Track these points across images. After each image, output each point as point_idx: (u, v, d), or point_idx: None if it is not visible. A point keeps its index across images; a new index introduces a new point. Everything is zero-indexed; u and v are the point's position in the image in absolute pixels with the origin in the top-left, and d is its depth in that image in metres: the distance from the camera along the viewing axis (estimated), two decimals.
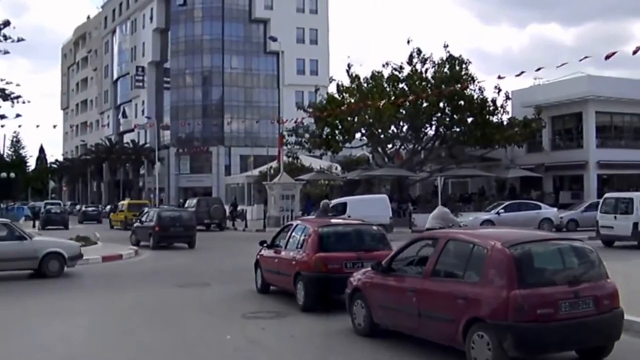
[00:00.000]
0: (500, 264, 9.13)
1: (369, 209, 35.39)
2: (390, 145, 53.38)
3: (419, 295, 10.26)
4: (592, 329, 9.22)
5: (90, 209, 73.77)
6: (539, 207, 40.33)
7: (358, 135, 52.85)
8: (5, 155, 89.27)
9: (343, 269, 14.27)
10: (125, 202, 60.34)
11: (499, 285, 9.00)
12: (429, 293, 10.09)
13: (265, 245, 17.60)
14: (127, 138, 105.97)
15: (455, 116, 49.51)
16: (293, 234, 16.12)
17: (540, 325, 8.81)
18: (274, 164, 57.76)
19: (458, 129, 50.64)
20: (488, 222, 37.20)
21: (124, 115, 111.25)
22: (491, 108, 49.44)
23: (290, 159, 57.56)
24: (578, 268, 9.59)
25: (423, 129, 51.22)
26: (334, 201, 38.59)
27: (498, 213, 38.34)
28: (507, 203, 40.90)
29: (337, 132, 51.46)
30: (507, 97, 50.08)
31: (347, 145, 53.68)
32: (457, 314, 9.42)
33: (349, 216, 30.83)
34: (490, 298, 9.04)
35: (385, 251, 14.16)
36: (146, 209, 40.15)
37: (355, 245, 15.05)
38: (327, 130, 51.72)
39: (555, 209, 41.28)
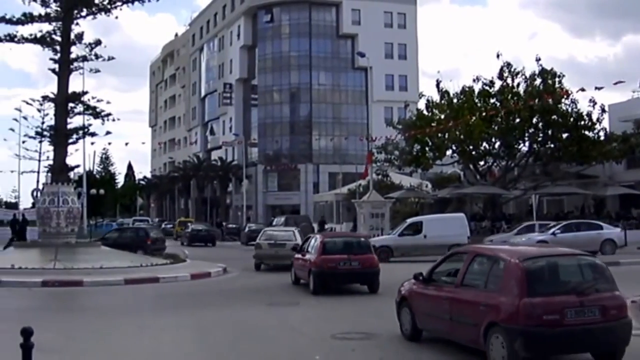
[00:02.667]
0: (515, 275, 10.57)
1: (446, 228, 34.60)
2: (482, 162, 52.10)
3: (450, 303, 11.75)
4: (597, 335, 10.38)
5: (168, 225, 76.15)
6: (601, 227, 36.79)
7: (449, 152, 51.82)
8: (94, 172, 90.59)
9: (337, 266, 21.72)
10: (177, 220, 75.49)
11: (513, 294, 10.40)
12: (459, 301, 11.59)
13: (298, 249, 25.06)
14: (214, 155, 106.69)
15: (549, 131, 48.02)
16: (309, 242, 24.19)
17: (547, 329, 10.09)
18: (363, 181, 56.99)
19: (552, 145, 49.11)
20: (543, 243, 35.18)
21: (212, 133, 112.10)
22: (587, 122, 47.59)
23: (380, 177, 56.77)
24: (586, 281, 10.81)
25: (516, 145, 49.84)
26: (411, 219, 38.07)
27: (554, 234, 35.85)
28: (565, 223, 38.19)
29: (427, 148, 50.56)
30: (603, 111, 48.12)
31: (438, 162, 52.69)
32: (480, 319, 10.80)
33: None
34: (505, 305, 10.43)
35: (369, 254, 22.34)
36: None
37: (346, 251, 22.38)
38: (417, 147, 50.86)
39: (618, 229, 37.75)
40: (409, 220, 37.81)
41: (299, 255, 24.24)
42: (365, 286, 22.02)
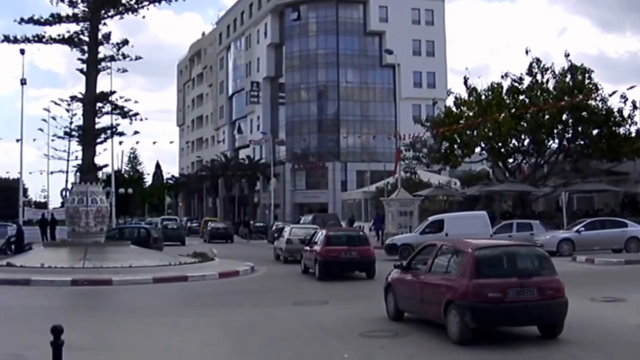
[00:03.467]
0: (467, 262, 12.82)
1: (468, 226, 34.02)
2: (511, 160, 51.67)
3: (421, 286, 14.07)
4: (534, 311, 12.51)
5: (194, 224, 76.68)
6: (625, 225, 35.98)
7: (478, 149, 51.48)
8: (123, 172, 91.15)
9: (339, 256, 25.90)
10: (203, 219, 78.23)
11: (465, 277, 12.61)
12: (427, 284, 13.89)
13: (307, 242, 29.28)
14: (242, 154, 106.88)
15: (579, 128, 47.53)
16: (316, 236, 28.32)
17: (491, 305, 12.30)
18: (391, 179, 56.79)
19: (582, 142, 48.57)
20: (567, 241, 34.63)
21: (239, 131, 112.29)
22: (617, 119, 47.01)
23: (408, 175, 56.52)
24: (528, 267, 13.13)
25: (545, 142, 49.30)
26: (433, 217, 37.78)
27: (578, 231, 35.33)
28: (588, 220, 37.58)
29: (456, 146, 50.27)
30: (635, 107, 47.50)
31: (467, 159, 52.38)
32: (441, 298, 13.00)
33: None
34: (459, 286, 12.63)
35: (366, 246, 26.72)
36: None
37: (347, 243, 26.75)
38: (445, 144, 50.60)
39: None
40: (431, 219, 37.59)
41: (307, 248, 28.28)
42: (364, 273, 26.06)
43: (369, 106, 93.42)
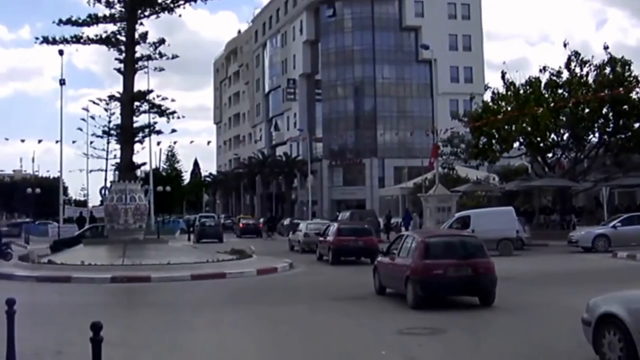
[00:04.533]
0: (419, 247, 17.10)
1: (494, 222, 33.97)
2: (550, 154, 51.10)
3: (392, 266, 18.53)
4: (469, 284, 16.59)
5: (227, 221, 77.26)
6: None
7: (516, 144, 50.99)
8: (161, 170, 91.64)
9: (348, 244, 31.56)
10: (237, 217, 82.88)
11: (418, 258, 16.85)
12: (395, 265, 18.28)
13: (321, 234, 35.15)
14: (279, 151, 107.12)
15: (620, 121, 46.78)
16: (329, 229, 34.29)
17: (435, 279, 16.39)
18: (429, 175, 56.55)
19: (623, 135, 47.80)
20: (602, 237, 34.12)
21: (276, 128, 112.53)
22: None
23: (446, 170, 56.22)
24: (465, 251, 17.10)
25: (585, 136, 48.70)
26: (459, 214, 37.68)
27: (614, 227, 34.74)
28: (625, 216, 36.93)
29: (494, 141, 49.81)
30: None
31: (505, 154, 51.88)
32: (403, 275, 17.16)
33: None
34: (413, 265, 16.84)
35: (371, 237, 32.41)
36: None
37: (354, 234, 32.33)
38: (483, 139, 50.16)
39: None
40: (457, 215, 37.42)
41: (322, 238, 34.36)
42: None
43: (405, 102, 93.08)
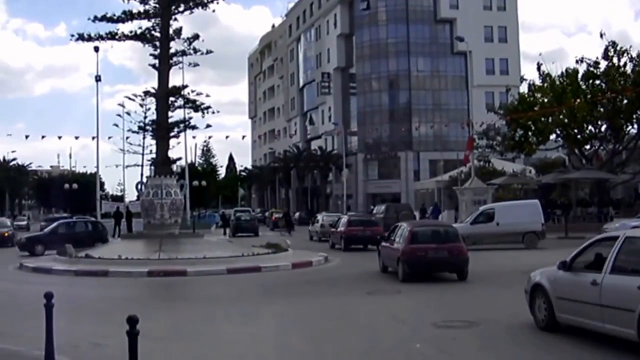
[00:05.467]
0: (407, 234, 21.78)
1: (519, 215, 33.85)
2: (587, 146, 50.68)
3: (390, 250, 23.11)
4: (445, 263, 21.52)
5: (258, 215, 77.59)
6: None
7: (553, 136, 50.65)
8: (196, 164, 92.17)
9: (357, 234, 36.31)
10: (270, 211, 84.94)
11: (405, 243, 21.43)
12: (392, 249, 22.78)
13: (333, 225, 40.14)
14: (314, 145, 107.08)
15: None
16: (340, 221, 39.17)
17: (418, 260, 21.17)
18: (465, 168, 56.26)
19: None
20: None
21: (311, 122, 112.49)
22: None
23: (482, 163, 55.89)
24: (442, 238, 21.89)
25: (624, 128, 48.17)
26: (484, 207, 37.60)
27: None
28: None
29: (530, 133, 49.53)
30: None
31: (541, 147, 51.50)
32: (396, 257, 21.83)
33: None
34: (402, 249, 21.42)
35: (377, 227, 36.76)
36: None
37: (362, 225, 37.52)
38: (519, 131, 49.91)
39: None
40: (482, 208, 37.24)
41: (334, 229, 39.50)
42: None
43: (440, 94, 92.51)
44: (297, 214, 72.17)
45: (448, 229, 23.37)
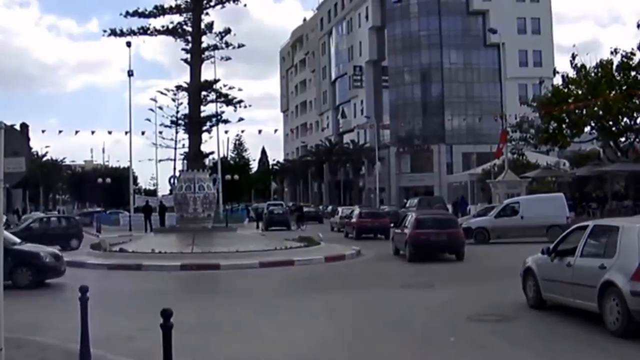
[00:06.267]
0: (413, 221, 26.63)
1: (544, 209, 33.56)
2: (623, 139, 49.92)
3: (400, 235, 27.62)
4: (445, 245, 26.27)
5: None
6: None
7: (587, 128, 49.96)
8: (229, 158, 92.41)
9: (367, 224, 41.18)
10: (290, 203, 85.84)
11: (411, 229, 26.14)
12: (402, 234, 27.30)
13: (346, 217, 45.54)
14: (346, 138, 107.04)
15: None
16: (353, 213, 44.42)
17: (422, 242, 25.89)
18: (498, 161, 55.88)
19: None
20: None
21: (343, 116, 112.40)
22: None
23: (515, 156, 55.44)
24: (443, 224, 26.82)
25: None
26: (508, 200, 37.52)
27: None
28: None
29: (564, 126, 48.95)
30: None
31: (576, 139, 50.97)
32: (405, 240, 26.45)
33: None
34: (409, 233, 26.15)
35: (385, 219, 41.92)
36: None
37: (372, 217, 42.59)
38: (553, 124, 49.33)
39: None
40: (506, 201, 37.19)
41: (347, 220, 44.69)
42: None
43: (473, 87, 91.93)
44: (329, 208, 72.08)
45: (448, 218, 29.71)
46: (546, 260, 14.00)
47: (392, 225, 37.12)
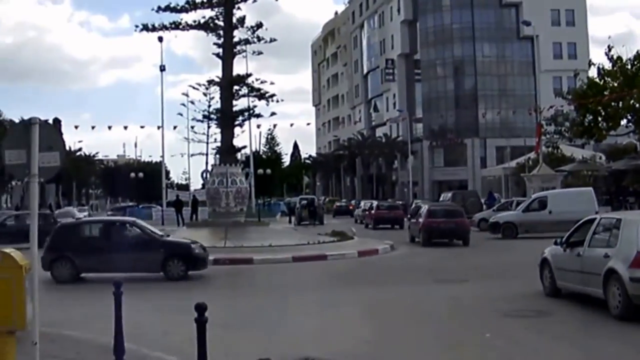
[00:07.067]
0: (426, 212, 32.04)
1: (572, 203, 32.81)
2: None
3: (415, 224, 32.88)
4: (452, 231, 31.06)
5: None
6: None
7: (624, 121, 49.29)
8: (261, 153, 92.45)
9: (384, 215, 47.12)
10: (327, 199, 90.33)
11: (425, 218, 31.34)
12: (417, 223, 32.43)
13: (367, 210, 51.23)
14: (379, 132, 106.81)
15: None
16: (371, 205, 51.86)
17: (433, 229, 30.89)
18: (532, 154, 55.40)
19: None
20: None
21: (375, 109, 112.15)
22: None
23: (550, 149, 54.91)
24: (452, 214, 31.83)
25: None
26: (536, 194, 37.32)
27: None
28: None
29: (600, 119, 48.30)
30: None
31: (612, 132, 50.25)
32: (420, 228, 31.52)
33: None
34: (423, 222, 31.25)
35: (399, 211, 48.64)
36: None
37: (388, 209, 49.12)
38: (589, 117, 48.70)
39: None
40: (534, 196, 37.02)
41: (367, 212, 49.65)
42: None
43: (507, 80, 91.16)
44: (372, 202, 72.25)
45: (455, 209, 33.75)
46: (559, 251, 14.95)
47: (408, 217, 41.83)
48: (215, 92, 57.86)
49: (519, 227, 34.10)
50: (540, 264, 15.85)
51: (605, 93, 46.07)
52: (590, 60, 54.10)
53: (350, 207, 71.33)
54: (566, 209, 32.05)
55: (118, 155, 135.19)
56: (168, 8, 34.21)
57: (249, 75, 38.44)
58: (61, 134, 11.60)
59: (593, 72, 50.23)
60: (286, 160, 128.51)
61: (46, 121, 8.93)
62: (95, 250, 19.97)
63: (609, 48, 47.90)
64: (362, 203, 61.80)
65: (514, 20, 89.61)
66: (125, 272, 18.74)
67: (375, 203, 52.10)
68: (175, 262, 19.95)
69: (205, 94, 73.51)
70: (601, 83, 47.92)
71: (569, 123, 51.57)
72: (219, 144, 42.86)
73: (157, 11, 34.48)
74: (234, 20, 34.28)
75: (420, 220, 31.56)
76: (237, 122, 37.44)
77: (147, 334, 12.00)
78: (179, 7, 34.35)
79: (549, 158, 52.22)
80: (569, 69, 64.27)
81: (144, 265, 19.93)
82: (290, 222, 55.05)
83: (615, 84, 46.70)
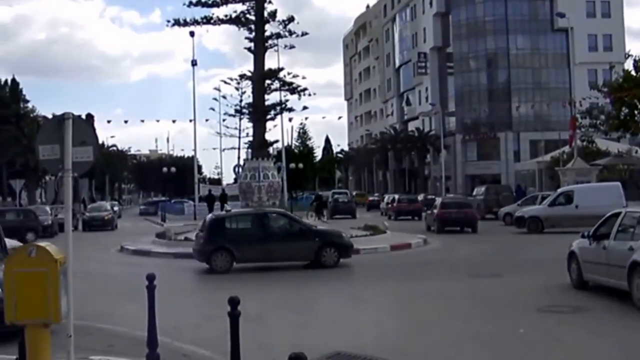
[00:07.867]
0: (439, 203, 38.50)
1: (599, 197, 32.14)
2: None
3: (430, 215, 38.96)
4: (463, 220, 36.34)
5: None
6: None
7: None
8: (293, 147, 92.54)
9: (404, 207, 52.63)
10: (354, 193, 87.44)
11: (438, 209, 37.14)
12: (432, 214, 38.08)
13: (389, 202, 56.53)
14: (411, 126, 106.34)
15: None
16: (393, 198, 57.02)
17: (446, 218, 36.29)
18: (567, 148, 54.90)
19: None
20: None
21: (408, 103, 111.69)
22: None
23: (585, 143, 54.40)
24: (462, 206, 38.27)
25: None
26: (562, 189, 37.12)
27: None
28: None
29: (636, 112, 47.87)
30: None
31: None
32: (434, 217, 37.08)
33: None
34: (437, 212, 36.90)
35: (417, 204, 53.88)
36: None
37: (408, 202, 54.34)
38: (624, 110, 48.27)
39: None
40: (560, 190, 36.60)
41: (390, 205, 54.23)
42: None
43: (541, 73, 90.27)
44: (394, 196, 72.33)
45: (465, 201, 41.19)
46: (586, 244, 15.29)
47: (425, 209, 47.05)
48: (247, 86, 58.17)
49: (545, 222, 33.77)
50: (567, 256, 16.18)
51: None
52: (626, 52, 53.65)
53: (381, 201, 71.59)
54: (593, 203, 31.59)
55: (150, 150, 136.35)
56: (199, 2, 34.27)
57: (280, 69, 38.48)
58: (94, 129, 11.65)
59: (629, 65, 49.77)
60: (318, 154, 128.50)
61: (79, 116, 8.95)
62: (252, 241, 21.04)
63: None
64: (385, 197, 65.47)
65: (548, 12, 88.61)
66: (281, 261, 20.74)
67: (396, 196, 56.62)
68: (330, 251, 21.29)
69: (237, 89, 74.06)
70: (637, 76, 47.42)
71: (604, 116, 51.19)
72: (251, 139, 42.95)
73: (188, 6, 34.58)
74: (265, 14, 34.25)
75: (435, 211, 37.12)
76: (269, 117, 37.49)
77: (180, 327, 12.03)
78: (210, 2, 34.40)
79: (583, 152, 51.70)
80: (605, 62, 63.63)
81: (300, 254, 21.31)
82: (318, 217, 54.23)
83: None
